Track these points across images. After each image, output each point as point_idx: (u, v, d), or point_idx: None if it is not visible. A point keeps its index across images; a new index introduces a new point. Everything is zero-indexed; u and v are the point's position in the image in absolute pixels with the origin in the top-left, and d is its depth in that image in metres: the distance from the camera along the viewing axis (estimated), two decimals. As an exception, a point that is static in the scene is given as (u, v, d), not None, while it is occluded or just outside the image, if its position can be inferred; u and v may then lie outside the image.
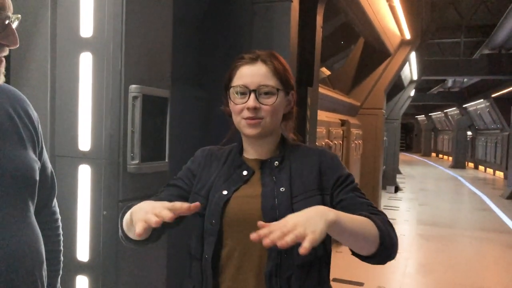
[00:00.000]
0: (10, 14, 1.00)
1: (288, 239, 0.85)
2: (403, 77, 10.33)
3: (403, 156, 25.24)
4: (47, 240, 1.20)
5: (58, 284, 1.30)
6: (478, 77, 14.18)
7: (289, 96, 1.21)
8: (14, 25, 1.02)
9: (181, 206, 0.94)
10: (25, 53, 1.87)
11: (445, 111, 25.43)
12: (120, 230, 1.16)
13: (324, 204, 1.11)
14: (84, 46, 1.80)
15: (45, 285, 1.15)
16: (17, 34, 1.02)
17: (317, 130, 4.06)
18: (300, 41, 3.09)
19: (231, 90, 1.17)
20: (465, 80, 16.94)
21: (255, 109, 1.13)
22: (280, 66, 1.17)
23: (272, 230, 0.87)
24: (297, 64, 3.10)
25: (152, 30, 1.93)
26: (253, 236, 0.88)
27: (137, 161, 1.81)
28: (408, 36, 7.24)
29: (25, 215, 1.08)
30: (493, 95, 16.15)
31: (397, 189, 11.43)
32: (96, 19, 1.78)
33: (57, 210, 1.32)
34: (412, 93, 13.17)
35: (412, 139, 38.44)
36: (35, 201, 1.14)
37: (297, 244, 1.05)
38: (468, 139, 22.59)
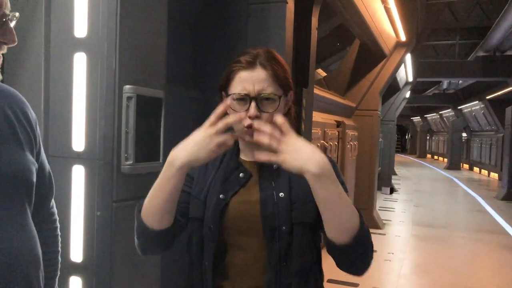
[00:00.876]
0: (7, 11, 1.00)
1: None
2: (398, 78, 10.37)
3: (398, 157, 25.30)
4: (44, 241, 1.19)
5: (56, 285, 1.29)
6: (473, 79, 14.26)
7: (288, 97, 1.18)
8: (12, 23, 1.01)
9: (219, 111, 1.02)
10: (19, 53, 1.86)
11: (440, 112, 25.55)
12: (137, 234, 1.13)
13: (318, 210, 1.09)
14: (78, 46, 1.80)
15: (42, 287, 1.14)
16: (14, 32, 1.01)
17: (313, 131, 4.07)
18: (295, 42, 3.10)
19: (230, 97, 1.11)
20: (460, 82, 17.02)
21: (256, 117, 1.08)
22: (280, 69, 1.13)
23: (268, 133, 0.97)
24: (292, 65, 3.11)
25: (147, 30, 1.93)
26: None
27: (131, 162, 1.81)
28: (403, 38, 7.26)
29: (22, 217, 1.07)
30: (487, 97, 16.24)
31: (392, 190, 11.46)
32: (90, 19, 1.78)
33: (55, 211, 1.31)
34: (408, 94, 13.23)
35: (407, 140, 38.56)
36: (32, 202, 1.13)
37: (296, 252, 1.09)
38: (463, 140, 22.71)
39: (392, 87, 10.12)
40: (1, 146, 1.03)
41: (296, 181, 1.13)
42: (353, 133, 6.90)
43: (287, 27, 2.84)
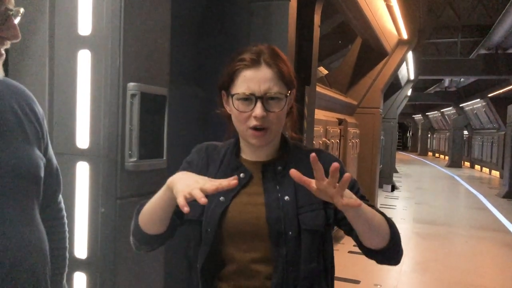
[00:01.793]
0: (11, 7, 0.99)
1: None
2: (400, 76, 10.36)
3: (400, 155, 25.29)
4: (52, 237, 1.19)
5: (64, 281, 1.29)
6: (474, 77, 14.22)
7: (291, 94, 1.14)
8: (17, 19, 1.01)
9: (220, 183, 0.94)
10: (24, 50, 1.87)
11: (441, 110, 25.52)
12: (132, 233, 1.15)
13: (327, 218, 1.11)
14: (83, 44, 1.81)
15: (49, 283, 1.14)
16: (18, 28, 1.01)
17: (315, 128, 4.07)
18: (298, 40, 3.11)
19: (235, 96, 1.08)
20: (462, 79, 16.98)
21: (262, 117, 1.06)
22: (285, 67, 1.10)
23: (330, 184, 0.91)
24: (294, 63, 3.11)
25: (151, 28, 1.93)
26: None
27: (135, 159, 1.82)
28: (405, 35, 7.26)
29: (30, 213, 1.07)
30: (489, 95, 16.21)
31: (393, 188, 11.46)
32: (94, 17, 1.79)
33: (63, 207, 1.31)
34: (409, 92, 13.21)
35: (409, 138, 38.53)
36: (40, 198, 1.13)
37: (303, 258, 1.08)
38: (465, 138, 22.67)
39: (394, 85, 10.12)
40: (9, 141, 1.03)
41: (301, 184, 1.12)
42: (354, 130, 6.90)
43: (289, 25, 2.85)
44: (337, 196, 0.91)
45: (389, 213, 8.20)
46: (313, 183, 0.93)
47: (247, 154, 1.17)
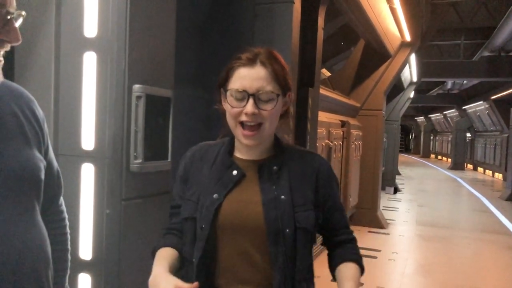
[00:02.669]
0: (12, 10, 0.99)
1: None
2: (403, 78, 10.36)
3: (402, 157, 25.25)
4: (54, 239, 1.20)
5: (66, 283, 1.29)
6: (477, 79, 14.21)
7: (286, 97, 1.17)
8: (18, 22, 1.00)
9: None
10: (29, 52, 1.88)
11: (444, 112, 25.47)
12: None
13: (316, 219, 1.16)
14: (88, 46, 1.81)
15: (51, 284, 1.15)
16: (19, 31, 1.00)
17: (318, 130, 4.07)
18: (301, 42, 3.11)
19: (228, 92, 1.12)
20: (465, 82, 16.97)
21: (253, 115, 1.09)
22: (280, 68, 1.13)
23: None
24: (298, 65, 3.12)
25: (156, 30, 1.94)
26: None
27: (140, 160, 1.82)
28: (408, 38, 7.25)
29: (31, 215, 1.07)
30: (492, 97, 16.18)
31: (396, 190, 11.44)
32: (100, 19, 1.80)
33: (64, 209, 1.31)
34: (412, 94, 13.20)
35: (411, 140, 38.47)
36: (41, 199, 1.13)
37: (299, 255, 1.13)
38: (467, 140, 22.63)
39: (397, 87, 10.12)
40: (8, 143, 1.03)
41: (296, 185, 1.15)
42: (357, 132, 6.90)
43: (293, 27, 2.86)
44: None
45: (391, 215, 8.20)
46: None
47: (241, 153, 1.20)
